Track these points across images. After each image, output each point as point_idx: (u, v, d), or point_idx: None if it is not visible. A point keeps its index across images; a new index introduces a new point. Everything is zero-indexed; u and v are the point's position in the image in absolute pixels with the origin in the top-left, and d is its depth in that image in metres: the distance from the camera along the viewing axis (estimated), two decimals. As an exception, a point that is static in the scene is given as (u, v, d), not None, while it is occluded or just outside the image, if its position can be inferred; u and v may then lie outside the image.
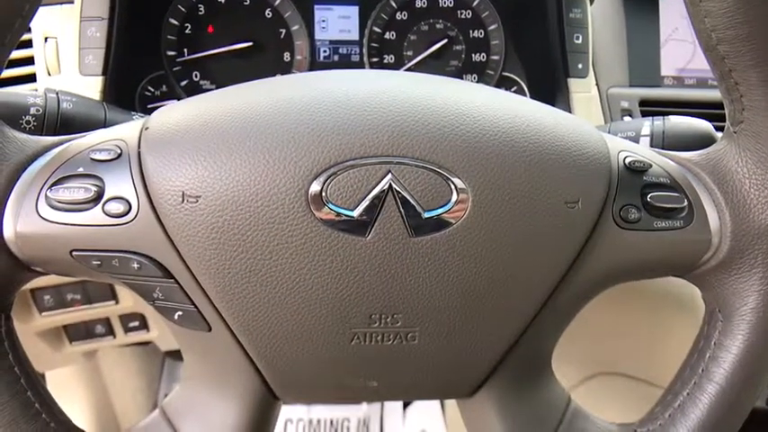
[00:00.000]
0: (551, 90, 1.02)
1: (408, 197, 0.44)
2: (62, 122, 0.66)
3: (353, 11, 1.16)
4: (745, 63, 0.44)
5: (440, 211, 0.45)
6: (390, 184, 0.44)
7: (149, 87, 1.10)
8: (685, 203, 0.51)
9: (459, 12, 1.17)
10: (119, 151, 0.47)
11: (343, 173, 0.44)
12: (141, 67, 1.08)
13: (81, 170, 0.47)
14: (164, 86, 1.11)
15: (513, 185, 0.46)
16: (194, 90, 1.11)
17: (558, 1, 0.96)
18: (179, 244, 0.45)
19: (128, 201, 0.45)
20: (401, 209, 0.44)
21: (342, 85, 0.51)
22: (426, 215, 0.45)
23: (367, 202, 0.44)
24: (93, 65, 0.89)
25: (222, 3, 1.12)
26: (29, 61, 0.91)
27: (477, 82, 1.17)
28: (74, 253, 0.47)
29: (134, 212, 0.45)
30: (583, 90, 0.96)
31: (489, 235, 0.45)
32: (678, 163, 0.54)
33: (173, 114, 0.51)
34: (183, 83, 1.11)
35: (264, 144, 0.45)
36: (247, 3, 1.13)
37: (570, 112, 0.97)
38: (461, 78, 1.17)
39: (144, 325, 1.19)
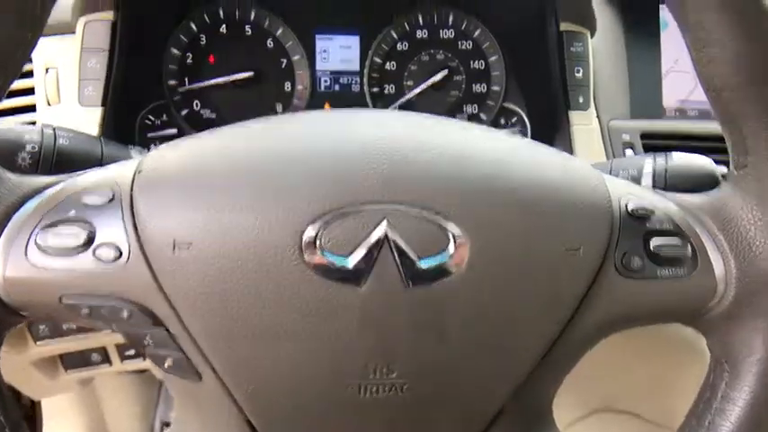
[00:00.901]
0: (552, 122, 1.01)
1: (404, 245, 0.43)
2: (58, 159, 0.66)
3: (354, 41, 1.17)
4: (749, 109, 0.44)
5: (437, 259, 0.44)
6: (386, 231, 0.43)
7: (150, 116, 1.10)
8: (689, 250, 0.50)
9: (459, 42, 1.17)
10: (111, 195, 0.46)
11: (338, 220, 0.43)
12: (142, 97, 1.08)
13: (72, 214, 0.46)
14: (164, 116, 1.11)
15: (512, 233, 0.45)
16: (195, 119, 1.11)
17: (558, 34, 0.96)
18: (169, 291, 0.44)
19: (118, 247, 0.45)
20: (397, 258, 0.43)
21: (337, 128, 0.50)
22: (423, 264, 0.44)
23: (362, 251, 0.43)
24: (93, 96, 0.89)
25: (224, 33, 1.12)
26: (29, 91, 0.91)
27: (478, 113, 1.17)
28: (63, 299, 0.46)
29: (125, 258, 0.44)
30: (584, 123, 0.96)
31: (488, 284, 0.44)
32: (681, 207, 0.53)
33: (166, 158, 0.50)
34: (184, 112, 1.11)
35: (257, 190, 0.44)
36: (249, 33, 1.13)
37: (571, 144, 0.96)
38: (462, 109, 1.17)
39: (141, 353, 1.18)
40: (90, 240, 0.46)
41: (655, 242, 0.50)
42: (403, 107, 1.16)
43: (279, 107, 1.15)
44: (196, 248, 0.44)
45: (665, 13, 1.18)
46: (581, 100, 0.95)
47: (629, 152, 0.99)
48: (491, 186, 0.46)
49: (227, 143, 0.51)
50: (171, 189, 0.46)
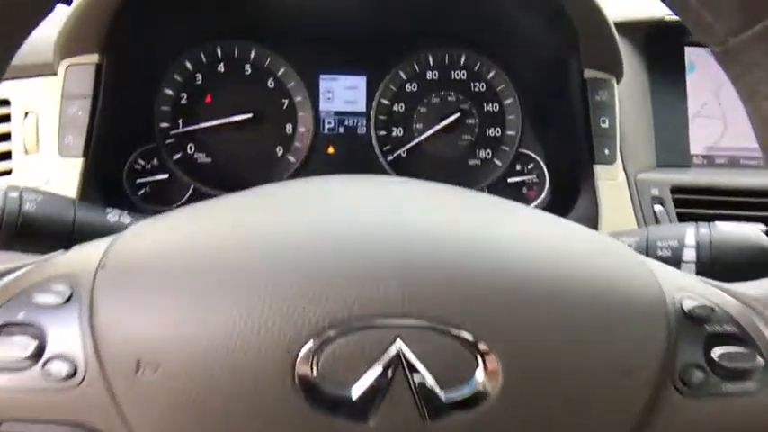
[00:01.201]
0: (574, 174, 0.93)
1: (422, 369, 0.35)
2: (23, 225, 0.58)
3: (360, 81, 1.10)
4: None
5: (463, 388, 0.35)
6: (399, 353, 0.35)
7: (140, 161, 1.03)
8: (758, 360, 0.41)
9: (472, 84, 1.10)
10: (68, 293, 0.38)
11: (340, 339, 0.35)
12: (131, 141, 1.01)
13: (21, 316, 0.38)
14: (155, 160, 1.03)
15: (552, 353, 0.36)
16: (188, 164, 1.04)
17: (581, 82, 0.89)
18: (132, 421, 0.36)
19: (73, 361, 0.36)
20: (413, 386, 0.35)
21: (339, 214, 0.42)
22: (445, 394, 0.35)
23: (369, 378, 0.35)
24: (73, 146, 0.81)
25: (221, 72, 1.05)
26: (5, 137, 0.84)
27: (492, 158, 1.09)
28: (2, 426, 0.37)
29: (80, 377, 0.36)
30: (610, 177, 0.88)
31: (523, 416, 0.36)
32: (741, 301, 0.45)
33: (135, 249, 0.42)
34: (177, 156, 1.04)
35: (242, 298, 0.36)
36: (248, 72, 1.06)
37: (596, 199, 0.88)
38: (475, 154, 1.09)
39: None
40: (39, 352, 0.37)
41: (718, 351, 0.41)
42: (412, 151, 1.09)
43: (279, 150, 1.07)
44: (165, 370, 0.36)
45: (691, 55, 1.11)
46: (607, 152, 0.87)
47: (658, 208, 0.91)
48: (526, 294, 0.38)
49: (210, 230, 0.43)
50: (137, 292, 0.38)
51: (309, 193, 0.49)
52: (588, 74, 0.88)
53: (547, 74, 0.98)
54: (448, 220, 0.43)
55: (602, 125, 0.88)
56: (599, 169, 0.88)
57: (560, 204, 0.98)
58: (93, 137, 0.83)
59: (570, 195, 0.93)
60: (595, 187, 0.88)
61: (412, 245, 0.39)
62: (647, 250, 0.65)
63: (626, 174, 0.92)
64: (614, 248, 0.47)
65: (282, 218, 0.42)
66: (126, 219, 0.68)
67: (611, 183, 0.89)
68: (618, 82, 0.90)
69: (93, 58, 0.81)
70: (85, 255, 0.43)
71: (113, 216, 0.66)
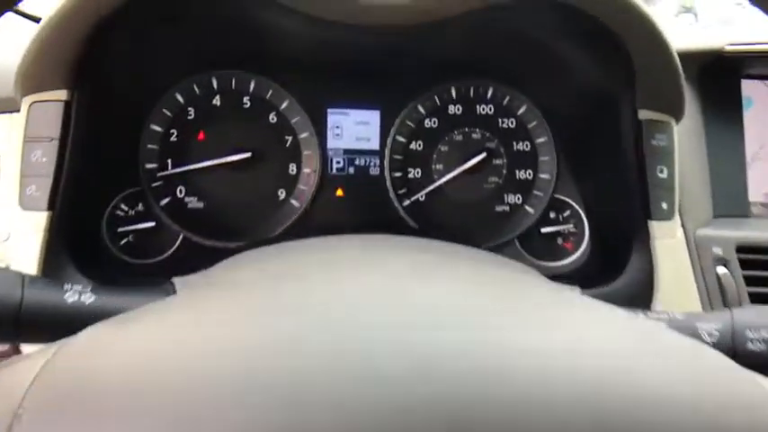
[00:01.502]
0: (623, 229, 0.80)
1: None
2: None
3: (374, 116, 0.97)
4: None
5: None
6: None
7: (122, 206, 0.90)
8: None
9: (500, 120, 0.97)
10: None
11: None
12: (111, 184, 0.88)
13: None
14: (140, 205, 0.91)
15: None
16: (177, 210, 0.91)
17: (635, 123, 0.76)
18: None
19: None
20: None
21: (344, 333, 0.29)
22: None
23: None
24: (37, 197, 0.69)
25: (217, 106, 0.93)
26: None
27: (522, 203, 0.96)
28: None
29: None
30: (667, 235, 0.75)
31: None
32: None
33: (64, 392, 0.29)
34: (164, 201, 0.91)
35: None
36: (247, 105, 0.94)
37: (651, 261, 0.75)
38: (503, 199, 0.96)
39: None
40: None
41: None
42: (431, 195, 0.96)
43: (281, 194, 0.95)
44: None
45: (747, 89, 0.98)
46: (664, 206, 0.74)
47: (721, 270, 0.77)
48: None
49: (182, 350, 0.30)
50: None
51: (309, 290, 0.36)
52: (644, 114, 0.75)
53: (590, 111, 0.85)
54: (498, 342, 0.30)
55: (660, 174, 0.74)
56: (655, 226, 0.75)
57: (605, 263, 0.85)
58: (62, 186, 0.71)
59: (618, 254, 0.79)
60: (650, 247, 0.75)
61: (458, 390, 0.26)
62: (734, 340, 0.52)
63: (684, 229, 0.78)
64: (719, 364, 0.34)
65: (275, 333, 0.29)
66: (88, 297, 0.55)
67: (668, 242, 0.75)
68: (677, 121, 0.77)
69: (61, 94, 0.69)
70: (9, 386, 0.30)
71: (72, 295, 0.53)
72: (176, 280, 0.59)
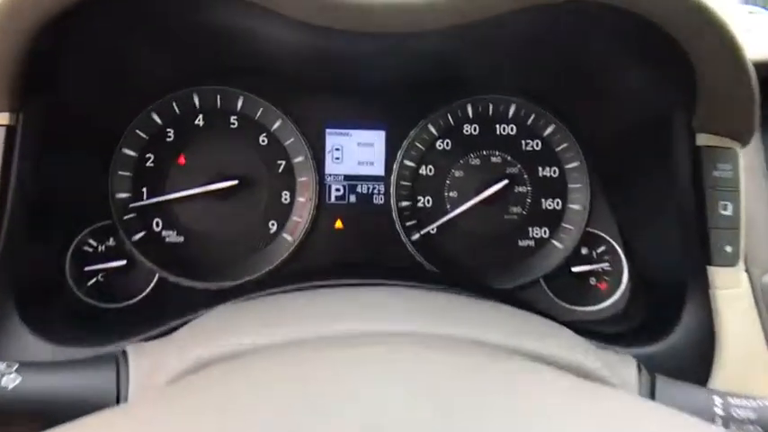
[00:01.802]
0: (676, 276, 0.67)
1: None
2: None
3: (378, 137, 0.85)
4: None
5: None
6: None
7: (90, 241, 0.79)
8: None
9: (523, 142, 0.84)
10: None
11: None
12: (77, 215, 0.77)
13: None
14: (110, 239, 0.80)
15: None
16: (153, 245, 0.80)
17: (692, 149, 0.62)
18: None
19: None
20: None
21: None
22: None
23: None
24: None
25: (199, 126, 0.82)
26: None
27: (549, 238, 0.83)
28: None
29: None
30: (731, 284, 0.61)
31: None
32: None
33: None
34: (138, 236, 0.80)
35: None
36: (234, 126, 0.83)
37: (710, 314, 0.62)
38: (527, 233, 0.84)
39: None
40: None
41: None
42: (444, 228, 0.84)
43: (272, 226, 0.83)
44: None
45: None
46: (728, 250, 0.61)
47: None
48: None
49: None
50: None
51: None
52: (703, 140, 0.62)
53: (634, 133, 0.72)
54: None
55: (723, 212, 0.61)
56: (716, 273, 0.62)
57: (651, 313, 0.72)
58: (5, 222, 0.59)
59: (668, 304, 0.66)
60: (710, 297, 0.62)
61: None
62: None
63: (748, 275, 0.65)
64: None
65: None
66: (11, 380, 0.44)
67: (732, 292, 0.62)
68: (743, 145, 0.63)
69: (2, 118, 0.58)
70: None
71: (9, 381, 0.43)
72: (130, 349, 0.48)
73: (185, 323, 0.55)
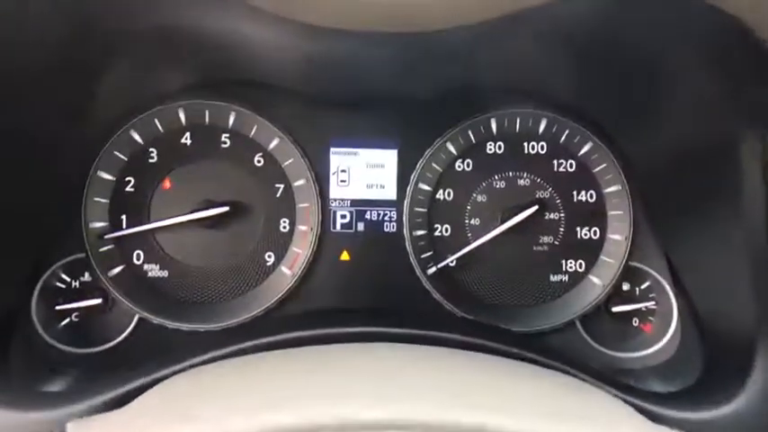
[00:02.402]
0: (742, 325, 0.56)
1: None
2: None
3: (390, 157, 0.75)
4: None
5: None
6: None
7: (63, 276, 0.70)
8: None
9: (555, 162, 0.74)
10: None
11: None
12: (44, 249, 0.68)
13: None
14: (85, 274, 0.70)
15: None
16: (133, 281, 0.71)
17: (762, 174, 0.52)
18: None
19: None
20: None
21: None
22: None
23: None
24: None
25: (186, 145, 0.72)
26: None
27: (585, 273, 0.73)
28: None
29: None
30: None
31: None
32: None
33: None
34: (116, 270, 0.70)
35: None
36: (226, 145, 0.73)
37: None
38: (560, 266, 0.73)
39: None
40: None
41: None
42: (464, 260, 0.73)
43: (269, 258, 0.73)
44: None
45: None
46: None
47: None
48: None
49: None
50: None
51: None
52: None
53: (694, 156, 0.61)
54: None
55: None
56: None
57: (707, 366, 0.61)
58: None
59: (730, 358, 0.56)
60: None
61: None
62: None
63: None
64: None
65: None
66: None
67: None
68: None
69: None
70: None
71: None
72: (70, 427, 0.42)
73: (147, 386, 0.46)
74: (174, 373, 0.52)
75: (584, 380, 0.54)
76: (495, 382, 0.44)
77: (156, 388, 0.46)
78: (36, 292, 0.68)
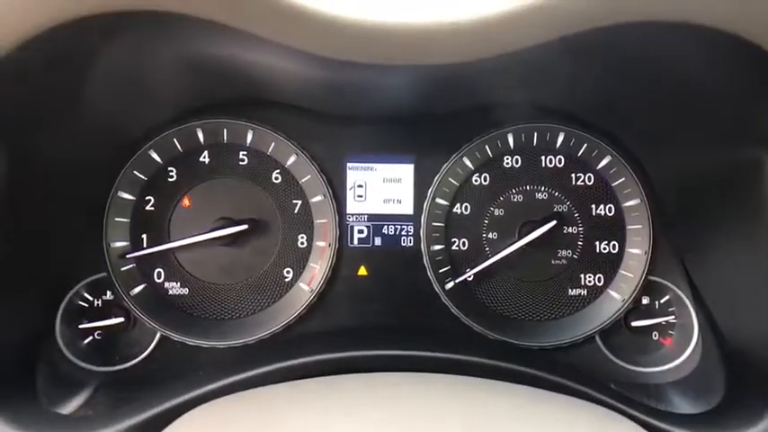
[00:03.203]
0: (765, 342, 0.55)
1: None
2: None
3: (406, 171, 0.75)
4: None
5: None
6: None
7: (85, 295, 0.71)
8: None
9: (573, 176, 0.74)
10: None
11: None
12: (67, 270, 0.69)
13: None
14: (107, 293, 0.71)
15: None
16: (154, 299, 0.71)
17: None
18: None
19: None
20: None
21: None
22: None
23: None
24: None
25: (205, 163, 0.73)
26: None
27: (603, 285, 0.73)
28: None
29: None
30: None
31: None
32: None
33: None
34: (138, 289, 0.71)
35: None
36: (244, 162, 0.73)
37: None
38: (578, 280, 0.73)
39: None
40: None
41: None
42: (482, 276, 0.73)
43: (287, 274, 0.74)
44: None
45: None
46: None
47: None
48: None
49: None
50: None
51: None
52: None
53: (717, 172, 0.61)
54: None
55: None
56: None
57: (730, 383, 0.60)
58: None
59: (754, 376, 0.55)
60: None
61: None
62: None
63: None
64: None
65: None
66: None
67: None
68: None
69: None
70: None
71: None
72: None
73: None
74: (200, 396, 0.53)
75: (602, 401, 0.54)
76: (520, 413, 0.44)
77: (184, 417, 0.47)
78: (60, 312, 0.69)
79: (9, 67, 0.45)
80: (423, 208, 0.75)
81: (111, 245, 0.71)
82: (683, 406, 0.64)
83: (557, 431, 0.43)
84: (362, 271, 0.76)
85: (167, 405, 0.53)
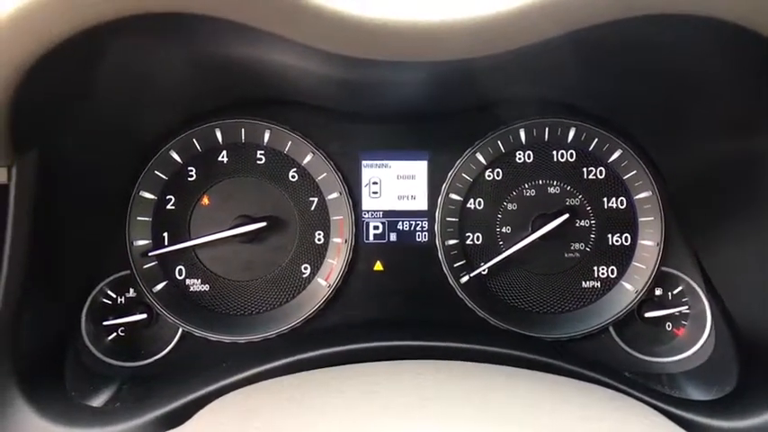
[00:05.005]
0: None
1: None
2: None
3: (420, 168, 0.77)
4: None
5: None
6: None
7: (109, 292, 0.72)
8: None
9: (585, 170, 0.75)
10: None
11: None
12: (92, 268, 0.71)
13: None
14: (130, 290, 0.73)
15: None
16: (176, 296, 0.73)
17: None
18: None
19: None
20: None
21: None
22: None
23: None
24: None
25: (223, 163, 0.75)
26: None
27: (617, 279, 0.74)
28: None
29: None
30: None
31: None
32: None
33: None
34: (159, 286, 0.73)
35: None
36: (261, 162, 0.75)
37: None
38: (591, 272, 0.74)
39: None
40: None
41: None
42: (497, 270, 0.75)
43: (305, 270, 0.75)
44: None
45: None
46: None
47: None
48: None
49: None
50: None
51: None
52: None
53: (729, 163, 0.62)
54: None
55: None
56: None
57: (743, 372, 0.61)
58: (2, 282, 0.53)
59: (761, 360, 0.56)
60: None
61: None
62: None
63: None
64: None
65: None
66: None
67: None
68: None
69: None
70: None
71: None
72: None
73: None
74: (224, 387, 0.55)
75: (618, 389, 0.55)
76: (536, 398, 0.45)
77: (210, 406, 0.48)
78: (85, 309, 0.71)
79: (42, 71, 0.46)
80: (437, 203, 0.76)
81: (134, 243, 0.72)
82: (697, 395, 0.65)
83: (577, 414, 0.44)
84: (378, 266, 0.77)
85: (191, 396, 0.54)
